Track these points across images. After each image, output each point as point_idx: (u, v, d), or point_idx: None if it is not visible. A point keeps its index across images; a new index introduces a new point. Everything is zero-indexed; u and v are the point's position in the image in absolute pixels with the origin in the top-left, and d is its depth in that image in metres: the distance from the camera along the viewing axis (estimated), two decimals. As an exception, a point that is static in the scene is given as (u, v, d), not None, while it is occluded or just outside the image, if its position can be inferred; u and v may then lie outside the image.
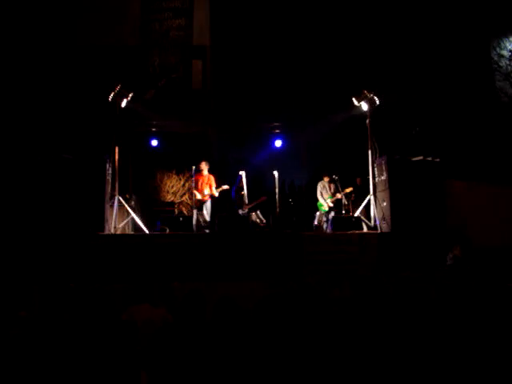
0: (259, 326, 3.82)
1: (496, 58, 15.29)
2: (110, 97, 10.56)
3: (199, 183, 11.76)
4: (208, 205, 11.73)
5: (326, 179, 12.00)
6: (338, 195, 11.61)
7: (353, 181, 12.33)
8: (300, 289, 4.71)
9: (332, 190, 11.87)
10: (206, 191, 11.62)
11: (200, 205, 11.62)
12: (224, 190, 11.75)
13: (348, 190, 11.68)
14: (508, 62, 15.13)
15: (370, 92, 10.89)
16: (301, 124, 13.09)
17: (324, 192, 11.96)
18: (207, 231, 11.05)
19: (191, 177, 11.76)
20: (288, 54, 14.01)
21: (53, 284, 7.65)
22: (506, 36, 15.26)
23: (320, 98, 13.31)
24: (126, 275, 8.47)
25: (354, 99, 11.20)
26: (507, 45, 15.27)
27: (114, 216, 9.97)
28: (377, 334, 3.93)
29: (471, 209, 10.86)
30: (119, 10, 14.51)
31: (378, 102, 10.82)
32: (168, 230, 10.29)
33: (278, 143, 12.87)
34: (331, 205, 11.77)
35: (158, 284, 6.26)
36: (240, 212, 11.60)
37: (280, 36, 14.07)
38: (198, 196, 11.65)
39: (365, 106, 11.03)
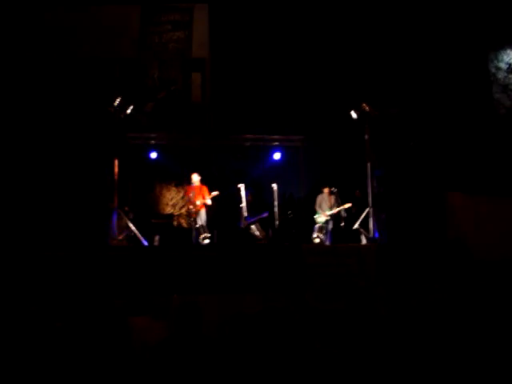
0: (256, 338, 3.84)
1: (493, 71, 15.36)
2: (110, 109, 10.60)
3: (192, 195, 11.75)
4: (202, 213, 11.71)
5: (326, 191, 12.02)
6: (339, 208, 11.64)
7: (352, 193, 12.35)
8: (300, 301, 4.74)
9: (332, 203, 11.88)
10: (198, 202, 11.62)
11: (195, 216, 11.60)
12: (214, 197, 11.71)
13: (347, 206, 11.65)
14: (505, 75, 15.21)
15: (368, 105, 10.95)
16: (300, 137, 13.12)
17: (323, 204, 11.97)
18: (207, 241, 11.03)
19: (191, 188, 11.79)
20: (287, 66, 14.08)
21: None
22: (504, 49, 15.35)
23: (319, 111, 13.37)
24: (125, 288, 8.46)
25: (352, 112, 11.26)
26: (504, 57, 15.35)
27: (113, 229, 9.99)
28: (372, 346, 3.95)
29: (471, 221, 10.87)
30: (119, 23, 14.57)
31: (376, 114, 10.88)
32: (158, 237, 10.31)
33: (277, 156, 12.89)
34: (328, 217, 11.78)
35: (158, 297, 6.26)
36: (239, 225, 11.63)
37: (279, 48, 14.15)
38: (191, 207, 11.65)
39: (363, 119, 11.08)
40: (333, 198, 11.87)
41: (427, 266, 9.30)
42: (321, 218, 11.88)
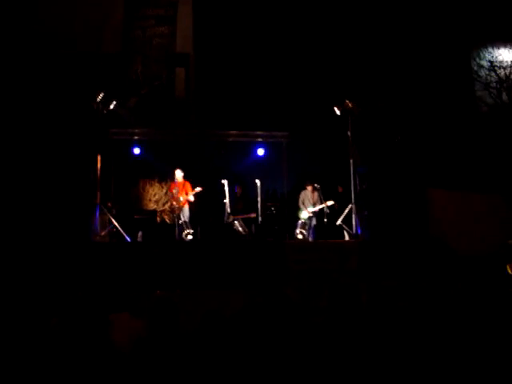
0: (237, 335, 3.86)
1: (476, 69, 15.50)
2: (93, 105, 10.54)
3: (175, 191, 11.74)
4: (185, 210, 11.70)
5: (309, 188, 12.04)
6: (322, 205, 11.68)
7: (335, 189, 12.41)
8: (279, 300, 4.75)
9: (315, 199, 11.92)
10: (182, 198, 11.61)
11: (178, 212, 11.60)
12: (198, 193, 11.72)
13: (329, 204, 11.69)
14: (487, 73, 15.35)
15: (351, 101, 11.00)
16: (284, 133, 13.13)
17: (306, 201, 12.00)
18: (190, 237, 11.04)
19: (174, 184, 11.77)
20: (271, 62, 14.08)
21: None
22: (486, 47, 15.49)
23: (302, 107, 13.39)
24: (108, 284, 8.44)
25: (335, 108, 11.30)
26: (487, 55, 15.49)
27: (96, 225, 9.95)
28: (355, 343, 3.98)
29: (453, 217, 10.98)
30: (102, 17, 14.45)
31: (359, 111, 10.93)
32: (141, 233, 10.30)
33: (261, 152, 12.89)
34: (311, 214, 11.82)
35: (140, 293, 6.26)
36: (223, 220, 11.65)
37: (263, 44, 14.14)
38: (174, 203, 11.65)
39: (346, 116, 11.13)
40: (316, 194, 11.91)
41: (409, 262, 9.38)
42: (304, 215, 11.91)
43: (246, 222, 11.52)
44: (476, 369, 3.82)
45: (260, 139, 12.82)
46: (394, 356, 3.82)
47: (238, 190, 12.42)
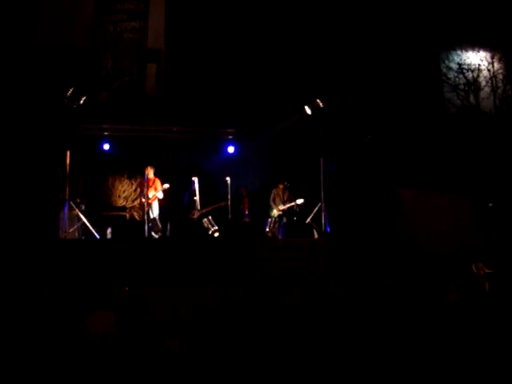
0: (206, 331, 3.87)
1: (445, 71, 15.74)
2: (63, 99, 10.40)
3: (145, 188, 11.69)
4: (154, 207, 11.66)
5: (281, 186, 12.10)
6: (292, 203, 11.74)
7: (303, 188, 12.47)
8: (250, 295, 4.77)
9: (285, 198, 11.98)
10: (151, 194, 11.57)
11: (148, 209, 11.54)
12: (166, 189, 11.67)
13: (299, 202, 11.75)
14: (456, 75, 15.59)
15: (322, 101, 11.07)
16: (254, 131, 13.16)
17: (277, 199, 12.05)
18: (156, 236, 11.02)
19: (144, 181, 11.71)
20: (242, 60, 14.07)
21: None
22: (455, 49, 15.74)
23: (273, 105, 13.42)
24: (76, 281, 8.35)
25: (306, 108, 11.35)
26: (455, 58, 15.74)
27: (64, 221, 9.84)
28: (325, 340, 4.02)
29: (420, 216, 11.13)
30: (72, 10, 14.25)
31: (329, 110, 11.01)
32: (110, 230, 10.24)
33: (231, 149, 12.90)
34: (281, 212, 11.87)
35: (109, 290, 6.22)
36: (192, 218, 11.64)
37: (234, 42, 14.12)
38: (143, 200, 11.60)
39: (317, 115, 11.19)
40: (286, 193, 11.98)
41: (378, 260, 9.49)
42: (274, 212, 11.96)
43: (215, 219, 11.53)
44: (441, 363, 3.89)
45: (230, 137, 12.83)
46: (361, 350, 3.88)
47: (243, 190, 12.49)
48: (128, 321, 3.94)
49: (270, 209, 12.09)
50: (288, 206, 11.75)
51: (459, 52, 15.61)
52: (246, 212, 12.04)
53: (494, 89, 15.32)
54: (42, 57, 13.37)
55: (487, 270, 10.02)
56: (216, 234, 11.21)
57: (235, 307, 4.18)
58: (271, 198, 12.15)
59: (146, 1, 14.85)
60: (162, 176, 12.01)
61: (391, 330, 4.36)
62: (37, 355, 3.66)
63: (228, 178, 11.70)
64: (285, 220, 11.80)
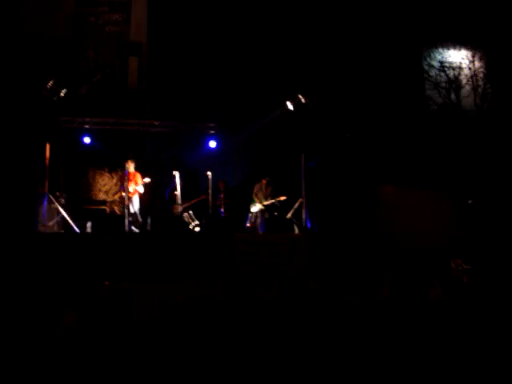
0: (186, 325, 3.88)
1: (426, 68, 15.83)
2: (43, 91, 10.29)
3: (125, 182, 11.63)
4: (134, 201, 11.61)
5: (264, 181, 12.10)
6: (265, 202, 11.75)
7: (284, 183, 12.48)
8: (231, 289, 4.79)
9: (267, 193, 11.98)
10: (131, 188, 11.52)
11: (128, 203, 11.48)
12: (147, 184, 11.63)
13: (282, 199, 11.76)
14: (437, 72, 15.70)
15: (303, 96, 11.08)
16: (236, 125, 13.14)
17: (260, 194, 12.05)
18: (137, 230, 10.98)
19: (125, 175, 11.64)
20: (225, 53, 14.04)
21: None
22: (436, 47, 15.84)
23: (255, 100, 13.42)
24: (55, 275, 8.30)
25: (288, 103, 11.36)
26: (437, 56, 15.84)
27: (43, 214, 9.76)
28: (304, 334, 4.05)
29: (401, 212, 11.23)
30: (54, 1, 14.09)
31: (311, 105, 11.02)
32: (90, 224, 10.19)
33: (213, 144, 12.86)
34: (263, 207, 11.87)
35: (88, 284, 6.19)
36: (173, 212, 11.61)
37: (217, 35, 14.08)
38: (123, 194, 11.55)
39: (298, 110, 11.20)
40: (269, 188, 11.98)
41: (358, 255, 9.56)
42: (255, 208, 11.97)
43: (196, 214, 11.51)
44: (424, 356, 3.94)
45: (212, 131, 12.79)
46: (339, 343, 3.91)
47: (220, 184, 12.43)
48: (112, 314, 3.95)
49: (251, 202, 12.07)
50: (271, 201, 11.76)
51: (441, 50, 15.72)
52: (221, 209, 11.99)
53: (474, 87, 15.45)
54: (21, 47, 13.20)
55: (465, 266, 10.16)
56: (197, 229, 11.19)
57: (215, 301, 4.19)
58: (254, 192, 12.15)
59: (129, -7, 14.75)
60: (143, 170, 11.96)
61: (371, 325, 4.40)
62: (13, 347, 3.65)
63: (209, 173, 11.68)
64: (266, 215, 11.81)
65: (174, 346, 3.78)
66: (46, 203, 9.91)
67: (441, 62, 15.76)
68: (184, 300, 3.99)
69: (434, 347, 4.09)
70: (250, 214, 11.92)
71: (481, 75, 15.64)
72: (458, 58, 15.72)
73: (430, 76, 15.72)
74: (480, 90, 15.44)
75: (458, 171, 13.82)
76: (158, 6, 14.47)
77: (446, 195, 12.17)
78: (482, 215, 12.45)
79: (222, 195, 12.14)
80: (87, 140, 12.50)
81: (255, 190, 12.16)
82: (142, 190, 11.54)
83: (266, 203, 11.85)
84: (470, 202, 13.20)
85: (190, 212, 11.45)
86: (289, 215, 11.11)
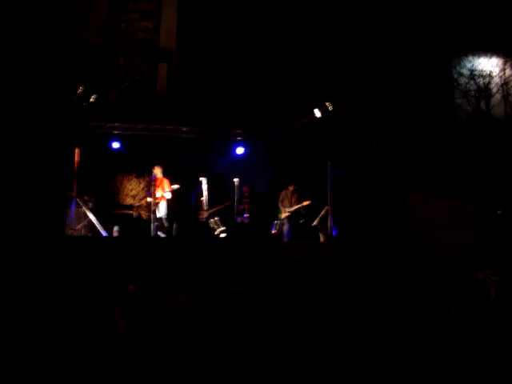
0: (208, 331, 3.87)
1: (456, 77, 15.69)
2: (73, 97, 10.44)
3: (152, 187, 11.70)
4: (161, 206, 11.67)
5: (291, 188, 12.06)
6: (297, 206, 11.71)
7: (311, 192, 12.44)
8: (256, 296, 4.77)
9: (293, 200, 11.95)
10: (158, 194, 11.60)
11: (154, 208, 11.54)
12: (176, 190, 11.69)
13: (305, 203, 11.73)
14: (467, 81, 15.55)
15: (331, 104, 11.04)
16: (263, 132, 13.17)
17: (286, 201, 12.02)
18: (163, 235, 11.04)
19: (152, 180, 11.74)
20: (253, 61, 14.09)
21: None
22: (466, 55, 15.69)
23: (283, 107, 13.43)
24: (83, 278, 8.39)
25: (316, 110, 11.32)
26: (467, 64, 15.69)
27: (71, 218, 9.88)
28: (329, 344, 4.02)
29: (428, 222, 11.11)
30: (85, 8, 14.31)
31: (339, 113, 10.98)
32: (117, 228, 10.27)
33: (240, 150, 12.89)
34: (288, 214, 11.84)
35: (115, 288, 6.24)
36: (199, 218, 11.67)
37: (246, 42, 14.15)
38: (149, 199, 11.61)
39: (326, 118, 11.16)
40: (295, 195, 11.95)
41: (384, 265, 9.46)
42: (281, 214, 11.93)
43: (222, 220, 11.54)
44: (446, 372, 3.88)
45: (240, 138, 12.82)
46: (365, 354, 3.87)
47: (245, 189, 12.47)
48: (134, 318, 3.97)
49: (278, 211, 12.06)
50: (295, 207, 11.74)
51: (471, 58, 15.58)
52: (246, 214, 11.99)
53: (505, 95, 15.25)
54: (53, 54, 13.44)
55: (494, 278, 10.00)
56: (222, 235, 11.22)
57: (239, 308, 4.18)
58: (279, 199, 12.12)
59: (159, 1, 14.92)
60: (170, 176, 12.04)
61: (395, 336, 4.35)
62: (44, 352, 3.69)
63: (236, 179, 11.71)
64: (292, 222, 11.78)
65: (182, 353, 3.77)
66: (74, 207, 10.03)
67: (470, 70, 15.61)
68: (198, 307, 3.98)
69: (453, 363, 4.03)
70: (276, 222, 11.89)
71: (512, 83, 15.45)
72: (489, 65, 15.55)
73: (459, 84, 15.58)
74: (511, 98, 15.24)
75: (487, 181, 13.63)
76: (188, 13, 14.61)
77: (474, 205, 12.01)
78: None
79: (246, 200, 12.15)
80: (116, 145, 12.63)
81: (281, 197, 12.13)
82: (169, 196, 11.60)
83: (290, 210, 11.82)
84: (499, 212, 13.01)
85: (217, 218, 11.47)
86: (315, 223, 11.06)
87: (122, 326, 4.10)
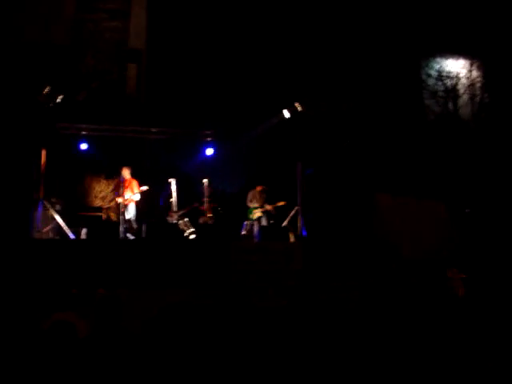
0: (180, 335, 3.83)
1: (424, 78, 15.88)
2: (39, 98, 10.27)
3: (121, 189, 11.59)
4: (130, 208, 11.58)
5: (259, 189, 12.04)
6: (268, 207, 11.67)
7: (281, 192, 12.43)
8: (226, 296, 4.76)
9: (262, 200, 11.93)
10: (127, 195, 11.50)
11: (123, 210, 11.43)
12: (144, 191, 11.61)
13: (280, 204, 11.72)
14: (435, 82, 15.74)
15: (300, 104, 11.06)
16: (233, 133, 13.14)
17: (254, 201, 12.00)
18: (132, 237, 10.94)
19: (120, 182, 11.63)
20: (222, 61, 14.07)
21: None
22: (434, 57, 15.89)
23: (252, 108, 13.42)
24: (50, 282, 8.25)
25: (285, 111, 11.33)
26: (435, 65, 15.89)
27: (38, 220, 9.72)
28: (298, 342, 4.01)
29: (398, 221, 11.19)
30: (53, 7, 14.14)
31: (309, 114, 11.00)
32: (85, 231, 10.15)
33: (210, 151, 12.83)
34: (260, 214, 11.82)
35: (83, 291, 6.15)
36: (168, 219, 11.59)
37: (215, 43, 14.12)
38: (119, 200, 11.50)
39: (295, 118, 11.17)
40: (264, 195, 11.93)
41: (353, 264, 9.52)
42: (255, 214, 11.88)
43: (191, 221, 11.48)
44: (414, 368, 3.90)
45: (209, 138, 12.77)
46: (334, 351, 3.87)
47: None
48: (101, 323, 3.91)
49: (249, 211, 12.01)
50: (274, 206, 11.70)
51: (439, 59, 15.78)
52: (208, 214, 11.89)
53: (472, 96, 15.48)
54: (19, 53, 13.22)
55: (461, 276, 10.12)
56: (192, 236, 11.15)
57: (208, 309, 4.16)
58: (248, 199, 12.09)
59: (128, 1, 14.80)
60: (139, 177, 11.94)
61: (367, 333, 4.37)
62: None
63: (205, 180, 11.65)
64: (263, 223, 11.77)
65: (157, 356, 3.73)
66: (41, 209, 9.87)
67: (438, 72, 15.80)
68: (167, 309, 3.94)
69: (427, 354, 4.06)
70: (246, 222, 11.86)
71: (478, 84, 15.69)
72: (456, 67, 15.76)
73: (427, 85, 15.76)
74: (478, 99, 15.48)
75: (456, 180, 13.81)
76: (157, 13, 14.53)
77: (443, 204, 12.14)
78: (480, 224, 12.43)
79: (207, 199, 12.03)
80: (84, 146, 12.47)
81: (249, 197, 12.10)
82: (137, 197, 11.51)
83: (268, 208, 11.78)
84: (467, 211, 13.18)
85: (186, 219, 11.40)
86: (285, 223, 11.07)
87: (82, 331, 4.03)
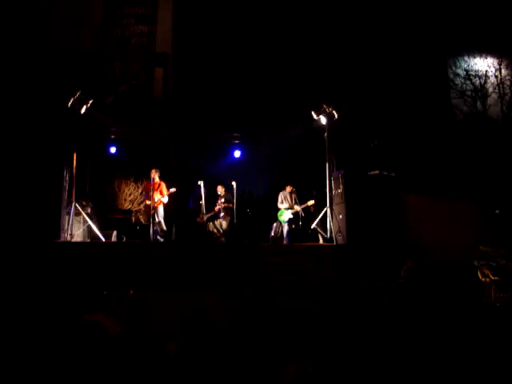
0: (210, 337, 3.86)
1: (452, 77, 15.73)
2: (70, 102, 10.41)
3: (150, 191, 11.66)
4: (159, 210, 11.66)
5: (288, 189, 11.98)
6: (297, 207, 11.63)
7: (309, 192, 12.40)
8: (256, 299, 4.76)
9: (292, 201, 11.88)
10: (156, 198, 11.57)
11: (153, 212, 11.50)
12: (172, 193, 11.67)
13: (310, 203, 11.67)
14: (463, 81, 15.58)
15: (328, 106, 11.01)
16: (261, 135, 13.15)
17: (285, 202, 11.94)
18: (162, 240, 11.02)
19: (150, 184, 11.71)
20: (250, 65, 14.09)
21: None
22: (462, 56, 15.73)
23: (280, 110, 13.42)
24: (81, 284, 8.35)
25: (312, 112, 11.29)
26: (462, 64, 15.73)
27: (69, 223, 9.84)
28: (329, 344, 4.01)
29: (427, 222, 11.08)
30: (81, 14, 14.35)
31: (336, 115, 10.94)
32: (124, 239, 10.25)
33: (238, 154, 12.87)
34: (291, 216, 11.76)
35: (114, 293, 6.22)
36: (198, 221, 11.64)
37: (242, 46, 14.15)
38: (148, 203, 11.57)
39: (323, 120, 11.13)
40: (293, 196, 11.88)
41: (383, 265, 9.45)
42: (283, 217, 11.84)
43: (221, 224, 11.52)
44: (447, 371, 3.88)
45: (237, 141, 12.82)
46: (363, 354, 3.86)
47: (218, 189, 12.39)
48: (132, 324, 3.96)
49: (279, 212, 11.95)
50: (304, 206, 11.66)
51: (466, 58, 15.62)
52: (221, 213, 11.88)
53: (501, 95, 15.29)
54: (50, 60, 13.44)
55: (493, 277, 10.00)
56: (222, 239, 11.20)
57: (238, 311, 4.18)
58: (279, 201, 12.01)
59: (155, 5, 14.93)
60: (168, 179, 12.01)
61: (395, 336, 4.35)
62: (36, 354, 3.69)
63: (234, 183, 11.69)
64: (292, 225, 11.73)
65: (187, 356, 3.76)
66: (72, 212, 9.99)
67: (466, 71, 15.65)
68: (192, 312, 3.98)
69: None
70: (275, 224, 11.85)
71: (508, 83, 15.48)
72: (484, 65, 15.59)
73: (455, 85, 15.61)
74: (507, 97, 15.28)
75: (485, 180, 13.64)
76: (184, 17, 14.63)
77: (473, 204, 12.00)
78: (510, 225, 12.24)
79: (219, 200, 12.03)
80: (113, 150, 12.63)
81: (280, 198, 12.03)
82: (166, 199, 11.58)
83: (293, 211, 11.74)
84: (497, 211, 13.01)
85: (216, 221, 11.45)
86: (313, 225, 11.02)
87: (112, 331, 4.08)
